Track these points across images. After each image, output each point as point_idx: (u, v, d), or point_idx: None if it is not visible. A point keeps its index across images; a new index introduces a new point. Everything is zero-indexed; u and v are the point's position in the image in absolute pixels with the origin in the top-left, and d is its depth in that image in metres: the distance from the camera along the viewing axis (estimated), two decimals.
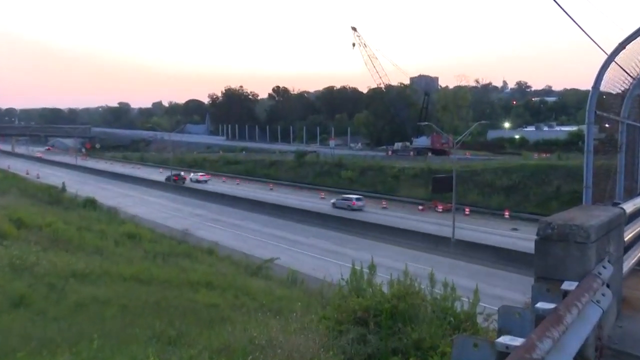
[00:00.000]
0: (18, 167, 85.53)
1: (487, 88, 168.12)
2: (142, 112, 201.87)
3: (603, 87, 6.34)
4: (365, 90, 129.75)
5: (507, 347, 2.28)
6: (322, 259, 31.86)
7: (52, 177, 71.63)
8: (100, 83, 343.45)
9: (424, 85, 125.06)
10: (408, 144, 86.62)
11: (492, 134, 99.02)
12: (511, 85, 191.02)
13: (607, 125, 7.30)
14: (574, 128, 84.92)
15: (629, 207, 5.07)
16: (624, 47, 6.31)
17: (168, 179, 72.80)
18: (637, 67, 7.25)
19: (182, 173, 77.05)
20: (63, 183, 55.29)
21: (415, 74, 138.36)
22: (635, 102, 7.82)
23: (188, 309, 13.39)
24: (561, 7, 6.32)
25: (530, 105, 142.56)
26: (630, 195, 7.35)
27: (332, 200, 53.79)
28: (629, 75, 7.19)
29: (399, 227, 39.89)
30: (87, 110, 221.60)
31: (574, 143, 67.38)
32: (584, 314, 2.97)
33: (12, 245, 17.98)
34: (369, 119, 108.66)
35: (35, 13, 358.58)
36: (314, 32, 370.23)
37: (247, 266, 25.38)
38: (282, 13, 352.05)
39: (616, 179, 7.22)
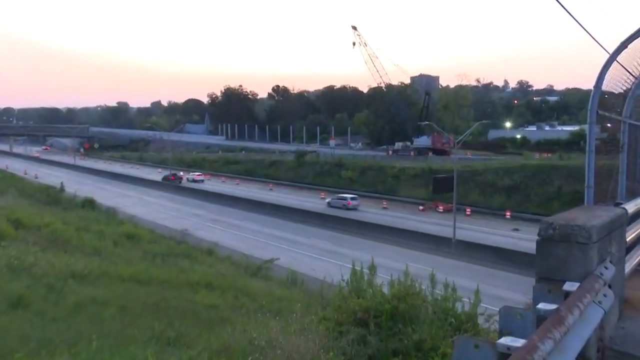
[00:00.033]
0: (16, 167, 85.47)
1: (488, 87, 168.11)
2: (141, 111, 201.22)
3: (605, 87, 6.33)
4: (365, 90, 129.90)
5: (509, 348, 2.27)
6: (322, 259, 31.86)
7: (51, 177, 71.69)
8: (98, 82, 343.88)
9: (425, 84, 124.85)
10: (409, 143, 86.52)
11: (493, 134, 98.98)
12: (512, 84, 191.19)
13: (609, 125, 7.29)
14: (575, 128, 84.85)
15: (631, 207, 5.05)
16: (626, 46, 6.29)
17: (165, 178, 72.99)
18: None
19: (182, 173, 77.21)
20: (61, 183, 55.28)
21: (416, 73, 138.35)
22: (638, 102, 7.80)
23: (187, 310, 13.35)
24: (563, 6, 6.29)
25: (531, 104, 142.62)
26: (632, 195, 7.30)
27: (327, 200, 54.00)
28: (631, 74, 7.17)
29: (399, 228, 39.89)
30: (85, 110, 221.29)
31: (575, 143, 67.15)
32: (586, 314, 2.96)
33: (10, 246, 17.91)
34: (369, 119, 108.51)
35: (32, 12, 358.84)
36: (314, 31, 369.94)
37: (247, 267, 25.35)
38: (282, 12, 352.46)
39: (618, 179, 7.21)
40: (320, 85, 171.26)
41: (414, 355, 7.35)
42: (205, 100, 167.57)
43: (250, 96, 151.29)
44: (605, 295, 3.34)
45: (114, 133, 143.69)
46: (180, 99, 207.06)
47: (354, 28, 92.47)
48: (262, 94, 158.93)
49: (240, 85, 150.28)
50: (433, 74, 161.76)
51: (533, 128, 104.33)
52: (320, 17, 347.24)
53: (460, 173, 43.66)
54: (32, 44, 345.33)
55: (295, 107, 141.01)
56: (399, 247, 34.69)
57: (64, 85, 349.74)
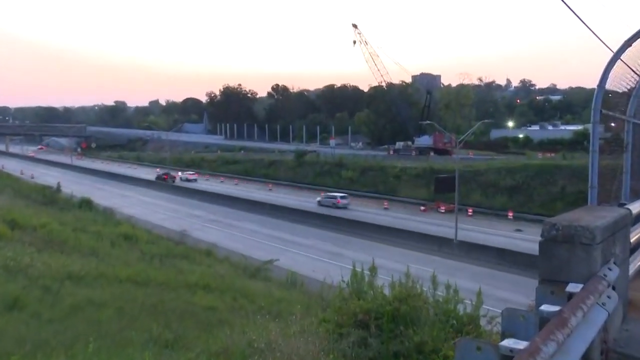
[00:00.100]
0: (12, 166, 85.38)
1: (491, 86, 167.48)
2: (139, 110, 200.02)
3: (609, 86, 6.27)
4: (366, 89, 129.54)
5: (511, 350, 2.27)
6: (322, 260, 31.81)
7: (47, 177, 71.56)
8: (96, 81, 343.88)
9: (426, 83, 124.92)
10: (410, 143, 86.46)
11: (495, 133, 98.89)
12: (515, 83, 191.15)
13: (612, 125, 7.25)
14: (579, 127, 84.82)
15: (635, 207, 5.02)
16: (630, 45, 6.25)
17: (158, 177, 73.10)
18: None
19: (179, 173, 77.27)
20: (58, 183, 54.87)
21: (417, 72, 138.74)
22: None
23: (185, 312, 13.32)
24: (566, 4, 6.22)
25: (534, 103, 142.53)
26: (636, 195, 7.28)
27: (318, 199, 54.60)
28: (636, 73, 7.12)
29: (400, 228, 39.85)
30: (82, 109, 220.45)
31: (579, 142, 66.93)
32: (589, 316, 2.94)
33: (6, 247, 17.83)
34: (370, 118, 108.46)
35: (29, 11, 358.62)
36: (314, 29, 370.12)
37: (246, 268, 25.31)
38: (282, 10, 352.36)
39: (622, 179, 7.17)
40: (320, 84, 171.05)
41: (415, 357, 7.32)
42: (204, 99, 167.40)
43: (249, 95, 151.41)
44: (609, 297, 3.32)
45: (112, 132, 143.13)
46: (179, 98, 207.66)
47: (355, 26, 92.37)
48: (262, 93, 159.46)
49: (240, 84, 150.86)
50: (435, 72, 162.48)
51: (536, 127, 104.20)
52: (320, 15, 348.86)
53: (462, 173, 43.63)
54: (28, 43, 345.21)
55: (295, 106, 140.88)
56: (400, 248, 34.64)
57: (61, 84, 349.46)
